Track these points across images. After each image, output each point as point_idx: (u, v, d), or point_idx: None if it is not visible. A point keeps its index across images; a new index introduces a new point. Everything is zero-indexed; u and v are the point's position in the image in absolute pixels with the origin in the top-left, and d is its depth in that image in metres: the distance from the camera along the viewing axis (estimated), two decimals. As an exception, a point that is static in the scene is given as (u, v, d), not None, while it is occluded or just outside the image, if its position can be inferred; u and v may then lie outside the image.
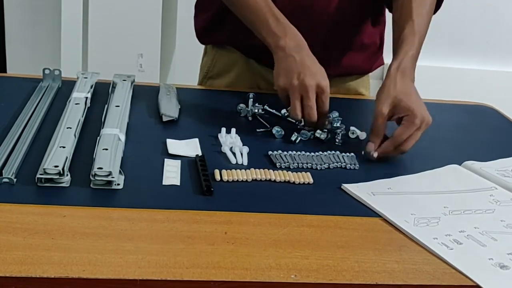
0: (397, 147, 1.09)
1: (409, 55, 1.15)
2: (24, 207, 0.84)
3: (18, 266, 0.72)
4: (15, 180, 0.90)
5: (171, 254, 0.77)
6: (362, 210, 0.93)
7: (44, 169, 0.89)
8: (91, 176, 0.91)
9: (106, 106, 1.16)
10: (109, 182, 0.91)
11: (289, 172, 1.01)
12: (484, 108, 1.46)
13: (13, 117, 1.10)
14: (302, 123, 1.17)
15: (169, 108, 1.19)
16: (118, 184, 0.91)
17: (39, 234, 0.78)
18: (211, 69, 1.46)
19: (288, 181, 0.99)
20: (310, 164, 1.04)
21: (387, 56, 1.31)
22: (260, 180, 0.98)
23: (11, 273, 0.70)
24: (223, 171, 0.98)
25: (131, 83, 1.28)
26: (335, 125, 1.20)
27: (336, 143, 1.15)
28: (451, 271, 0.80)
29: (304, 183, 0.99)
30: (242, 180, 0.97)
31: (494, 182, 1.04)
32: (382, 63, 1.49)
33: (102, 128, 1.05)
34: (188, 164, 1.01)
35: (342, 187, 0.98)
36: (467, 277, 0.78)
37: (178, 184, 0.94)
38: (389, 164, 1.10)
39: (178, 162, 1.01)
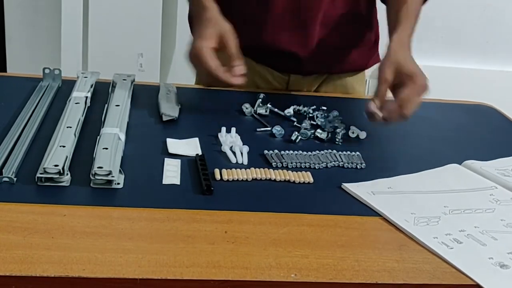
0: (400, 110, 1.09)
1: (406, 33, 1.21)
2: (24, 206, 0.84)
3: (18, 265, 0.72)
4: (15, 179, 0.90)
5: (171, 253, 0.77)
6: (362, 209, 0.93)
7: (44, 168, 0.89)
8: (91, 175, 0.91)
9: (106, 105, 1.16)
10: (109, 182, 0.91)
11: (289, 171, 1.01)
12: (484, 107, 1.46)
13: (13, 117, 1.10)
14: (309, 120, 1.19)
15: (169, 108, 1.19)
16: (118, 184, 0.91)
17: (39, 233, 0.78)
18: None
19: (288, 181, 0.99)
20: (310, 164, 1.04)
21: (383, 53, 1.31)
22: (260, 179, 0.98)
23: (11, 272, 0.70)
24: (223, 170, 0.98)
25: (131, 83, 1.28)
26: (335, 125, 1.20)
27: (336, 143, 1.15)
28: (451, 270, 0.80)
29: (304, 183, 0.99)
30: (242, 180, 0.97)
31: (494, 181, 1.04)
32: (378, 60, 1.49)
33: (102, 127, 1.05)
34: (188, 164, 1.01)
35: (342, 186, 0.98)
36: (467, 276, 0.78)
37: (178, 183, 0.94)
38: (389, 164, 1.10)
39: (178, 162, 1.01)
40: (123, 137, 1.04)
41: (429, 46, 2.84)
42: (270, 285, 0.74)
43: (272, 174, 0.99)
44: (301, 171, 1.01)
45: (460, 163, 1.10)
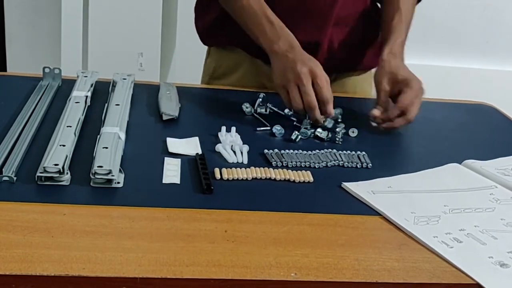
0: (403, 116, 1.17)
1: (398, 41, 1.27)
2: (24, 205, 0.84)
3: (18, 264, 0.72)
4: (15, 178, 0.90)
5: (171, 252, 0.77)
6: (362, 208, 0.93)
7: (44, 167, 0.89)
8: (91, 175, 0.91)
9: (106, 104, 1.16)
10: (109, 181, 0.91)
11: (289, 170, 1.01)
12: (484, 107, 1.46)
13: (13, 116, 1.10)
14: (309, 119, 1.18)
15: (169, 107, 1.19)
16: (118, 183, 0.91)
17: (39, 232, 0.78)
18: (216, 70, 1.46)
19: (288, 180, 0.99)
20: (310, 163, 1.04)
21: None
22: (260, 178, 0.98)
23: (11, 271, 0.70)
24: (223, 169, 0.98)
25: (131, 82, 1.28)
26: (339, 121, 1.21)
27: (337, 142, 1.15)
28: (451, 269, 0.80)
29: (304, 182, 0.99)
30: (242, 179, 0.97)
31: (494, 180, 1.04)
32: None
33: (102, 126, 1.05)
34: (188, 163, 1.01)
35: (342, 185, 0.98)
36: (467, 275, 0.78)
37: (178, 182, 0.94)
38: (389, 163, 1.10)
39: (178, 161, 1.01)
40: (123, 136, 1.04)
41: (429, 46, 2.84)
42: (270, 284, 0.74)
43: (272, 173, 0.99)
44: (301, 170, 1.01)
45: (460, 163, 1.10)
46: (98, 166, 0.90)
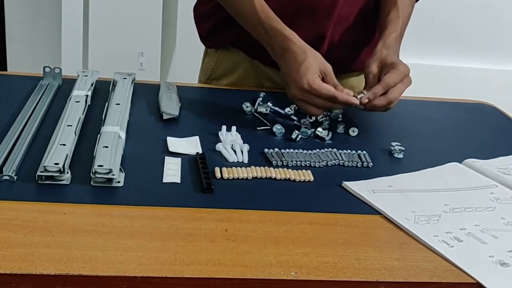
0: (386, 95, 1.15)
1: (392, 35, 1.26)
2: (24, 205, 0.84)
3: (18, 263, 0.72)
4: (15, 177, 0.90)
5: (172, 251, 0.77)
6: (363, 207, 0.93)
7: (44, 166, 0.89)
8: (91, 174, 0.91)
9: (106, 104, 1.16)
10: (110, 180, 0.91)
11: (289, 170, 1.01)
12: (484, 106, 1.46)
13: (14, 115, 1.10)
14: (308, 119, 1.20)
15: (170, 106, 1.19)
16: (119, 182, 0.91)
17: (39, 231, 0.78)
18: (215, 71, 1.46)
19: (289, 179, 0.99)
20: (310, 162, 1.04)
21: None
22: (261, 177, 0.98)
23: (11, 270, 0.70)
24: (224, 168, 0.98)
25: (132, 81, 1.28)
26: (339, 120, 1.22)
27: (337, 141, 1.15)
28: (451, 268, 0.80)
29: (304, 181, 0.99)
30: (242, 178, 0.97)
31: (494, 180, 1.04)
32: None
33: (103, 126, 1.05)
34: (189, 162, 1.01)
35: (342, 184, 0.98)
36: (467, 274, 0.78)
37: (179, 181, 0.94)
38: (389, 163, 1.10)
39: (178, 160, 1.01)
40: (123, 135, 1.04)
41: (429, 46, 2.84)
42: (270, 283, 0.74)
43: (273, 173, 0.99)
44: (301, 170, 1.01)
45: (460, 162, 1.10)
46: (98, 165, 0.90)
